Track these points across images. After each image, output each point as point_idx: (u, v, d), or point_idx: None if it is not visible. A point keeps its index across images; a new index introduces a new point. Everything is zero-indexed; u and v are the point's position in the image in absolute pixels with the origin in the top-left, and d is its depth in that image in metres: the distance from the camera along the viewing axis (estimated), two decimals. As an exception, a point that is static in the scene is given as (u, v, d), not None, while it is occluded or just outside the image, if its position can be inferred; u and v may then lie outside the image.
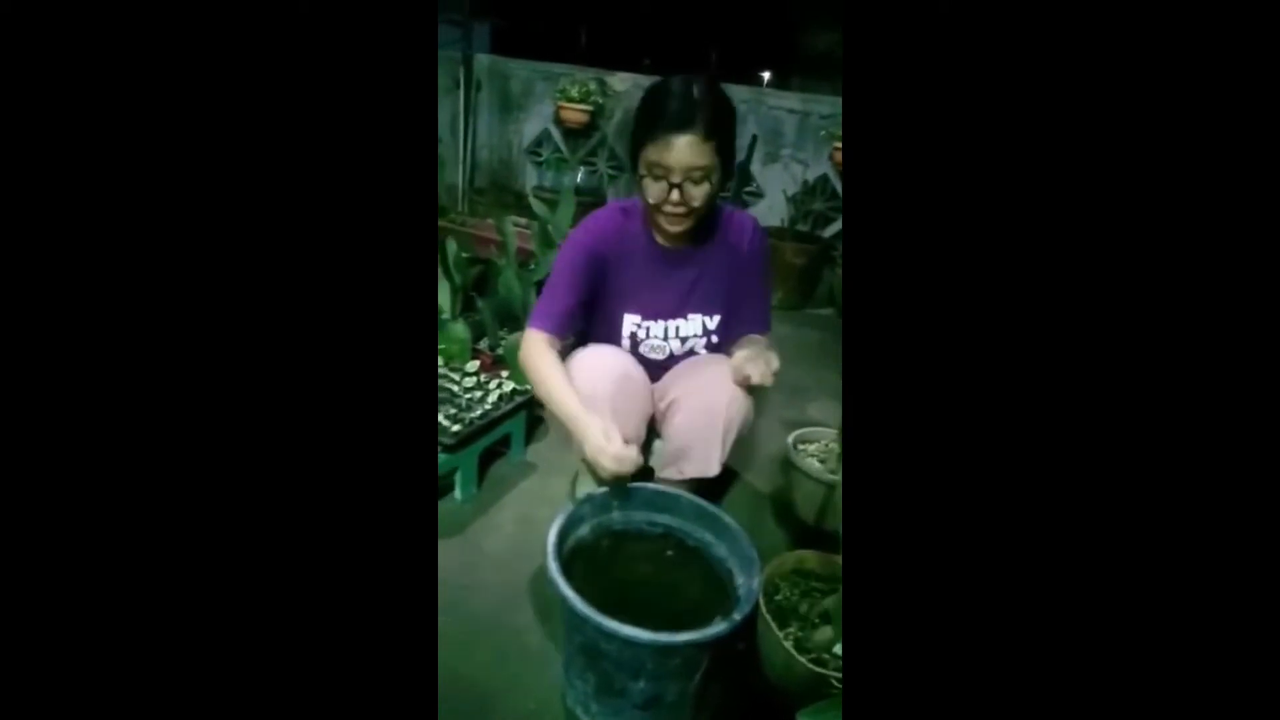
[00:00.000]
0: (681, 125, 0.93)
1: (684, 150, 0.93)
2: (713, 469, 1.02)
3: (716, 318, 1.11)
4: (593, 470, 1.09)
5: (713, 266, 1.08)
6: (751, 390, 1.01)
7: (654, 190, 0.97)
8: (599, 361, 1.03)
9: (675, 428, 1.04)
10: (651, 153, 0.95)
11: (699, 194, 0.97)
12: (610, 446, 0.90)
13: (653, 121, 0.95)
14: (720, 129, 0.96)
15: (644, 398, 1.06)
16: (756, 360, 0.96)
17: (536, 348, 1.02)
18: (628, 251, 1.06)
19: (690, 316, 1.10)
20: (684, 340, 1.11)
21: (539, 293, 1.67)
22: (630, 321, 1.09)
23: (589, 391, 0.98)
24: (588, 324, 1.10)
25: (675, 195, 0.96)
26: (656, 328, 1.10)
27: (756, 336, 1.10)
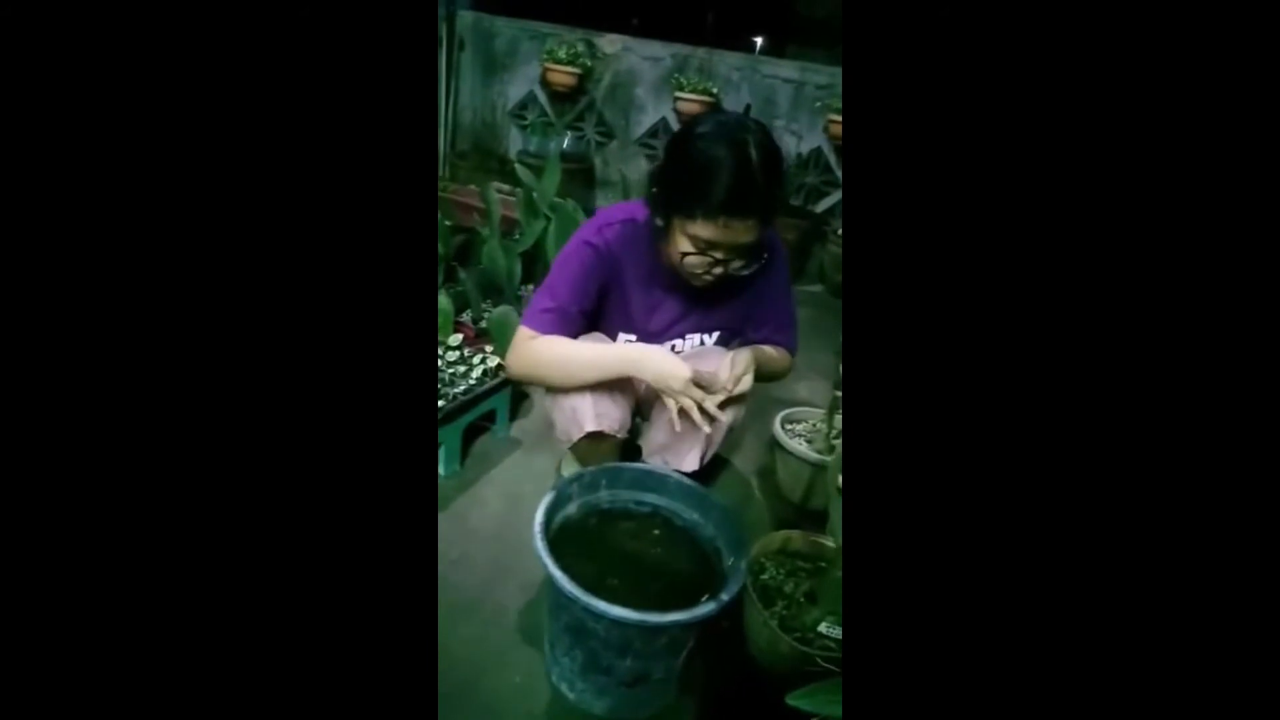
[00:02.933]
0: (743, 211, 0.83)
1: (739, 234, 0.85)
2: (692, 465, 1.01)
3: (715, 334, 1.07)
4: (581, 453, 1.08)
5: (718, 288, 0.99)
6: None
7: (692, 260, 0.89)
8: None
9: (662, 420, 1.02)
10: (700, 228, 0.85)
11: (741, 266, 0.90)
12: (679, 367, 0.88)
13: (703, 193, 0.82)
14: (774, 201, 0.86)
15: (627, 393, 1.03)
16: (725, 370, 0.93)
17: (534, 342, 0.94)
18: (632, 272, 0.99)
19: (688, 337, 1.06)
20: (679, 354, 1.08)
21: (523, 264, 1.65)
22: (624, 339, 1.05)
23: (570, 399, 0.96)
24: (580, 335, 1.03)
25: (718, 270, 0.90)
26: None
27: (765, 349, 1.06)
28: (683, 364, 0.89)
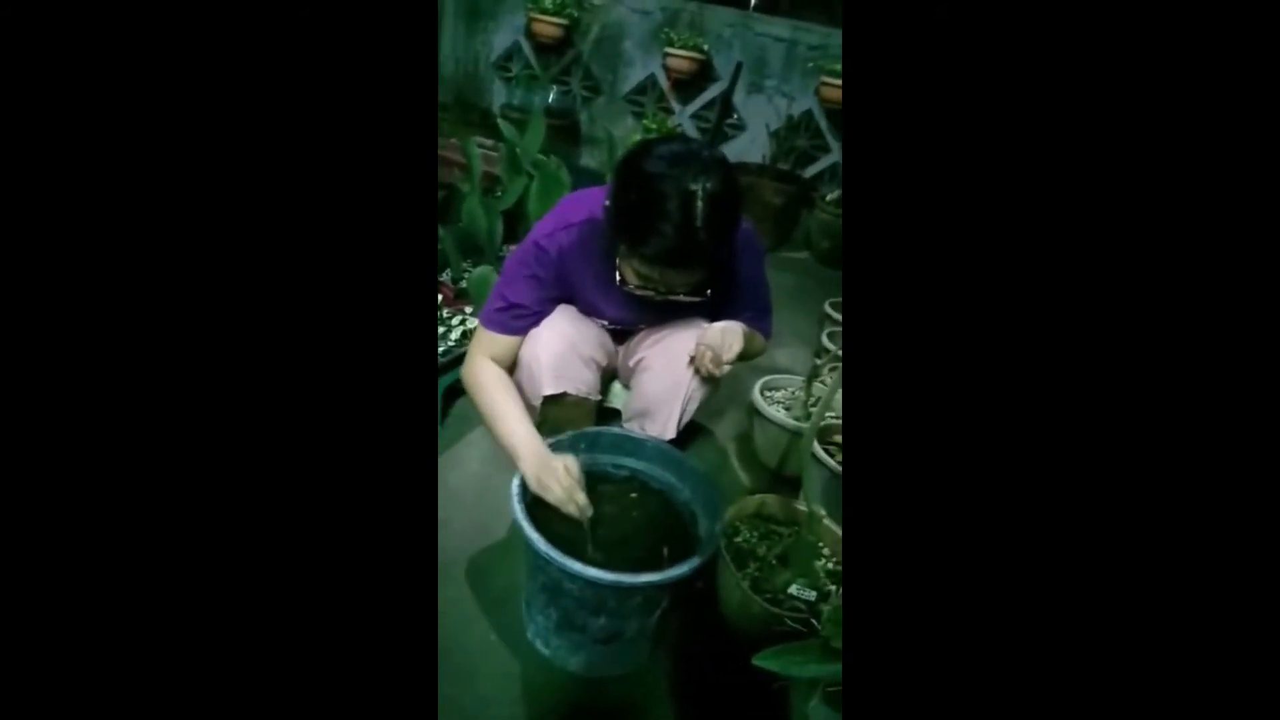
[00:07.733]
0: (681, 265, 0.80)
1: (680, 278, 0.83)
2: (669, 433, 1.02)
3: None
4: (549, 417, 1.07)
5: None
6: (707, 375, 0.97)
7: (636, 289, 0.87)
8: (542, 334, 0.97)
9: (640, 388, 1.03)
10: (640, 264, 0.82)
11: (685, 293, 0.88)
12: (558, 479, 0.81)
13: (642, 241, 0.78)
14: (721, 250, 0.82)
15: (594, 362, 1.02)
16: (713, 345, 0.93)
17: (486, 370, 0.94)
18: (593, 273, 0.96)
19: (657, 327, 1.06)
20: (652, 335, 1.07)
21: (505, 223, 1.61)
22: (598, 323, 1.05)
23: (529, 360, 0.96)
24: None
25: (658, 299, 0.88)
26: (621, 333, 1.07)
27: (736, 325, 1.04)
28: (556, 469, 0.81)
